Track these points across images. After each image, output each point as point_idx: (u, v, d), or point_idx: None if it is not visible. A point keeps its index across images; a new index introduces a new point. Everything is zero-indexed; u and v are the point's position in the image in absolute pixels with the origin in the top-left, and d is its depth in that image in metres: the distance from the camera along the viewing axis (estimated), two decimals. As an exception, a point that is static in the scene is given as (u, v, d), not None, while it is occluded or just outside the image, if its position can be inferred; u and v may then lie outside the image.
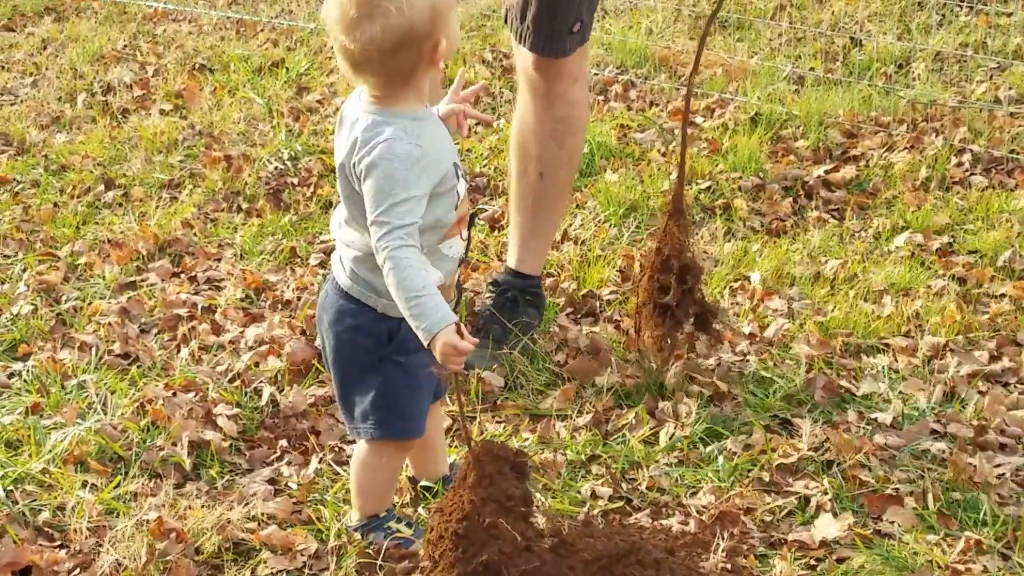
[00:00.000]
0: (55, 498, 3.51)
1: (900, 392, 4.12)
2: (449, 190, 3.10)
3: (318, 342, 3.42)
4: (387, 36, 2.95)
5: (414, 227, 2.97)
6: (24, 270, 4.96)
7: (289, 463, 3.76)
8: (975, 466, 3.67)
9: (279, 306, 4.72)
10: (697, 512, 3.51)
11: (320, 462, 3.73)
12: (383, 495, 3.42)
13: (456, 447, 3.78)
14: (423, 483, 3.59)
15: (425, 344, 2.96)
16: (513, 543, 3.06)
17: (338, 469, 3.70)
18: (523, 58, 4.31)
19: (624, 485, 3.66)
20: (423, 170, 3.01)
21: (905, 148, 6.01)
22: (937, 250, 5.11)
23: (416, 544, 3.32)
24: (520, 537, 3.09)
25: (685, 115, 4.14)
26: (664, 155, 6.00)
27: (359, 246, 3.12)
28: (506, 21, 4.32)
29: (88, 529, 3.35)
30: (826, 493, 3.59)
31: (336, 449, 3.83)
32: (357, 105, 3.10)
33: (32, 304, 4.66)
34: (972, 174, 5.78)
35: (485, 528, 3.05)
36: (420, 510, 3.54)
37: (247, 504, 3.52)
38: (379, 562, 3.26)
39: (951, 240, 5.21)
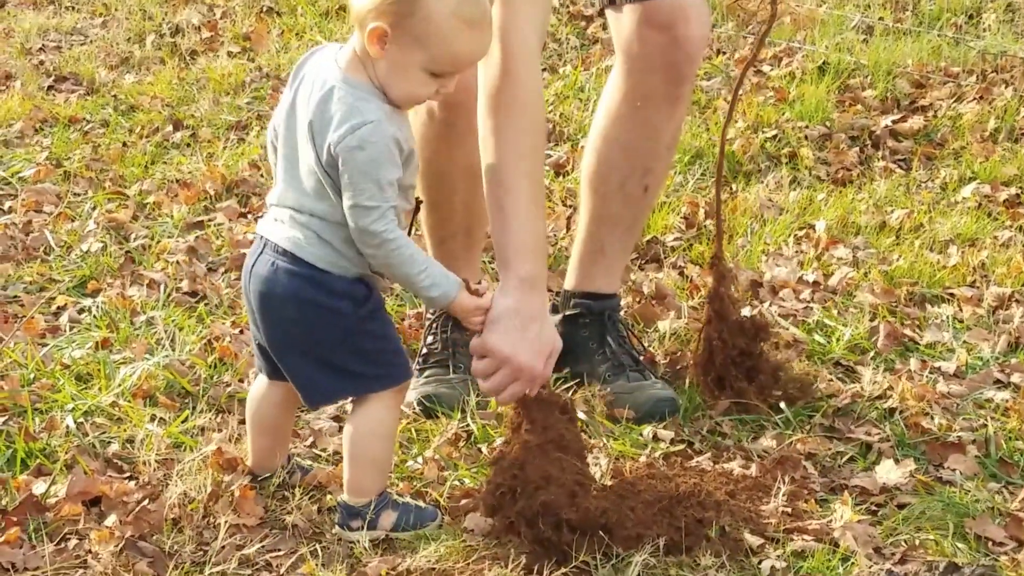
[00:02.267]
0: (124, 431, 3.55)
1: (964, 342, 4.11)
2: (410, 180, 3.06)
3: (253, 318, 3.15)
4: None
5: (396, 209, 2.96)
6: (94, 208, 5.01)
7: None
8: (1039, 416, 3.67)
9: (345, 247, 4.74)
10: (759, 456, 3.51)
11: (384, 401, 3.76)
12: (388, 465, 3.25)
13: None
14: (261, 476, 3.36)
15: (441, 309, 2.99)
16: (571, 482, 3.09)
17: (403, 408, 3.73)
18: (654, 41, 3.66)
19: (686, 428, 3.67)
20: (401, 156, 2.97)
21: (974, 99, 5.97)
22: (1004, 201, 5.09)
23: (437, 517, 3.21)
24: (578, 476, 3.12)
25: (718, 181, 3.93)
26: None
27: (332, 216, 3.00)
28: (612, 0, 3.70)
29: (156, 461, 3.39)
30: (888, 440, 3.59)
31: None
32: (331, 69, 3.00)
33: (102, 242, 4.71)
34: (1042, 125, 5.74)
35: (543, 470, 3.08)
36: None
37: (313, 440, 3.56)
38: (445, 501, 3.29)
39: (1019, 191, 5.18)
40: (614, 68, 3.80)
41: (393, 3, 2.89)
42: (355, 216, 2.94)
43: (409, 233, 3.15)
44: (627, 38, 3.71)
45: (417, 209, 3.16)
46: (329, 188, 2.97)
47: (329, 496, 3.27)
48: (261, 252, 3.09)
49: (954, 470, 3.47)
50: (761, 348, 3.80)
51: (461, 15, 2.91)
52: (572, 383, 3.80)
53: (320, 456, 3.51)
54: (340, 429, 3.63)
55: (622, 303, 4.14)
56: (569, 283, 3.97)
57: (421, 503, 3.24)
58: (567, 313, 3.93)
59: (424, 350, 3.92)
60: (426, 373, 3.84)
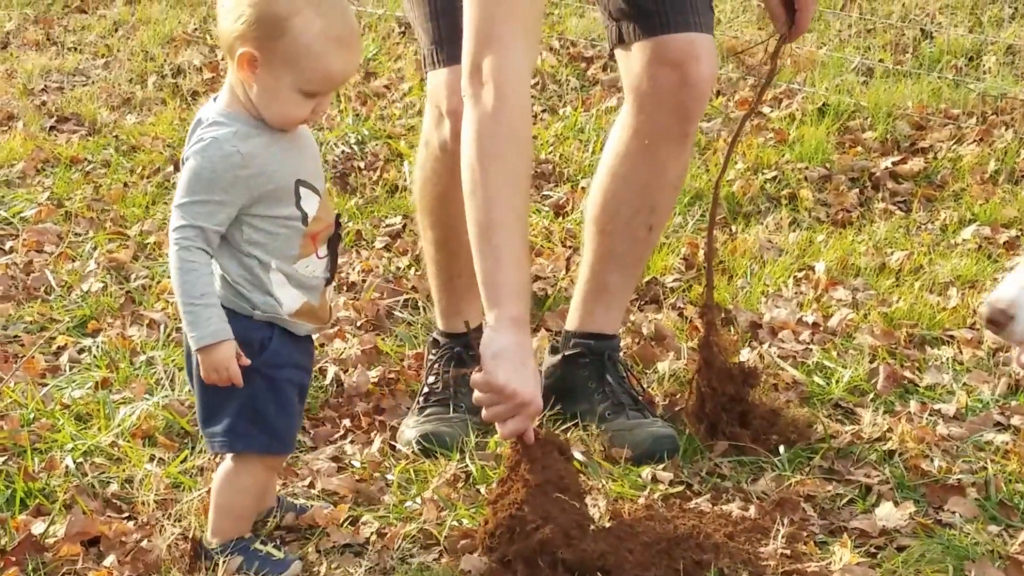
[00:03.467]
0: (123, 471, 3.55)
1: (964, 384, 4.11)
2: (285, 208, 3.00)
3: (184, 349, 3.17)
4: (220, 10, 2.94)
5: (210, 232, 2.92)
6: (95, 248, 5.02)
7: (352, 442, 3.79)
8: (1038, 458, 3.67)
9: (344, 288, 4.75)
10: (757, 498, 3.51)
11: (383, 442, 3.76)
12: (245, 516, 3.19)
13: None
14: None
15: (191, 349, 2.96)
16: (569, 522, 3.08)
17: (401, 448, 3.72)
18: (665, 79, 3.66)
19: (685, 470, 3.66)
20: (239, 180, 2.92)
21: (974, 141, 5.99)
22: (1004, 243, 5.10)
23: (293, 567, 3.13)
24: (577, 517, 3.12)
25: (709, 246, 3.93)
26: (730, 144, 6.00)
27: (220, 253, 3.00)
28: (622, 39, 3.71)
29: (155, 502, 3.39)
30: (887, 482, 3.58)
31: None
32: (208, 107, 3.03)
33: (102, 282, 4.72)
34: (1041, 168, 5.76)
35: (542, 510, 3.08)
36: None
37: (311, 480, 3.56)
38: (443, 541, 3.28)
39: (1019, 234, 5.19)
40: (623, 106, 3.81)
41: (259, 27, 2.87)
42: (172, 216, 2.95)
43: (332, 265, 3.14)
44: (637, 75, 3.71)
45: (335, 239, 3.15)
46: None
47: (324, 539, 3.27)
48: None
49: (954, 513, 3.46)
50: (752, 393, 3.81)
51: (330, 34, 2.89)
52: (570, 423, 3.80)
53: (318, 496, 3.49)
54: (339, 469, 3.64)
55: (621, 344, 4.14)
56: (571, 323, 3.96)
57: (280, 555, 3.15)
58: (567, 353, 3.92)
59: (425, 389, 3.92)
60: (426, 412, 3.83)
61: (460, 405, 3.83)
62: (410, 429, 3.78)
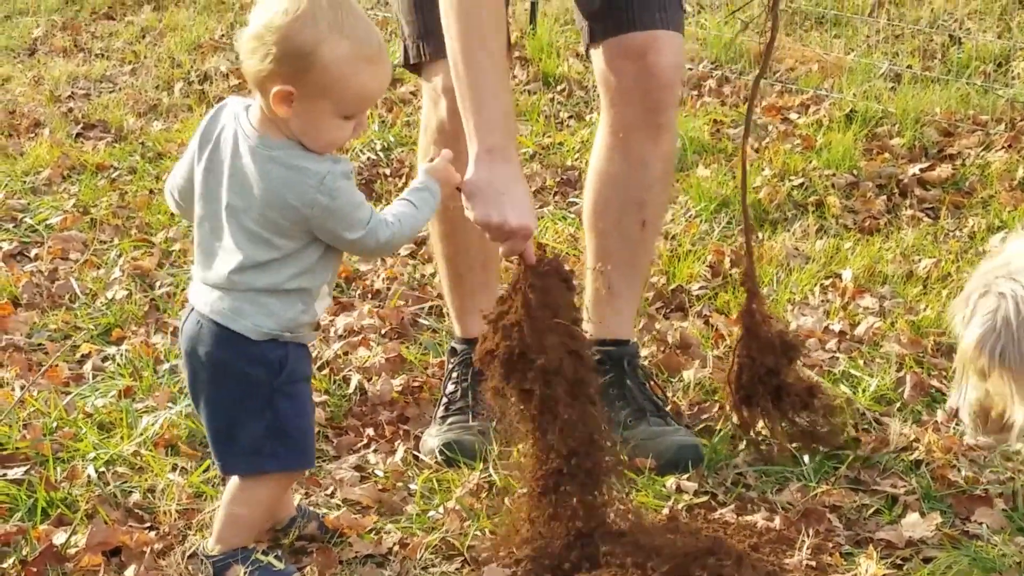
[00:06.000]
0: (145, 480, 3.55)
1: (992, 393, 4.07)
2: None
3: (184, 375, 3.16)
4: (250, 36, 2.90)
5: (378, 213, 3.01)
6: (119, 255, 5.03)
7: (375, 451, 3.78)
8: (1067, 469, 3.64)
9: (369, 296, 4.74)
10: (783, 508, 3.48)
11: (406, 451, 3.75)
12: (255, 528, 3.18)
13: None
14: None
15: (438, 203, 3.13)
16: (563, 347, 3.12)
17: (424, 458, 3.71)
18: (628, 71, 3.73)
19: (710, 479, 3.64)
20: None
21: (1003, 147, 5.95)
22: (1033, 251, 5.05)
23: None
24: (572, 341, 3.16)
25: (745, 219, 3.95)
26: (757, 151, 5.97)
27: (266, 284, 2.97)
28: (593, 38, 3.79)
29: (177, 511, 3.38)
30: (914, 492, 3.55)
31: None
32: (249, 133, 2.95)
33: (127, 289, 4.72)
34: (1071, 175, 5.71)
35: (539, 335, 3.11)
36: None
37: (333, 490, 3.55)
38: (466, 552, 3.26)
39: (1047, 241, 5.14)
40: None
41: (290, 63, 2.84)
42: (361, 249, 3.03)
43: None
44: (604, 71, 3.79)
45: None
46: (267, 256, 2.96)
47: (347, 549, 3.25)
48: (191, 311, 3.07)
49: (981, 523, 3.43)
50: (790, 368, 3.77)
51: (360, 56, 2.88)
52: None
53: (341, 505, 3.48)
54: (362, 479, 3.62)
55: (646, 352, 4.11)
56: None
57: (280, 565, 3.12)
58: None
59: (444, 399, 3.91)
60: (448, 421, 3.82)
61: (480, 413, 3.82)
62: (432, 438, 3.76)
